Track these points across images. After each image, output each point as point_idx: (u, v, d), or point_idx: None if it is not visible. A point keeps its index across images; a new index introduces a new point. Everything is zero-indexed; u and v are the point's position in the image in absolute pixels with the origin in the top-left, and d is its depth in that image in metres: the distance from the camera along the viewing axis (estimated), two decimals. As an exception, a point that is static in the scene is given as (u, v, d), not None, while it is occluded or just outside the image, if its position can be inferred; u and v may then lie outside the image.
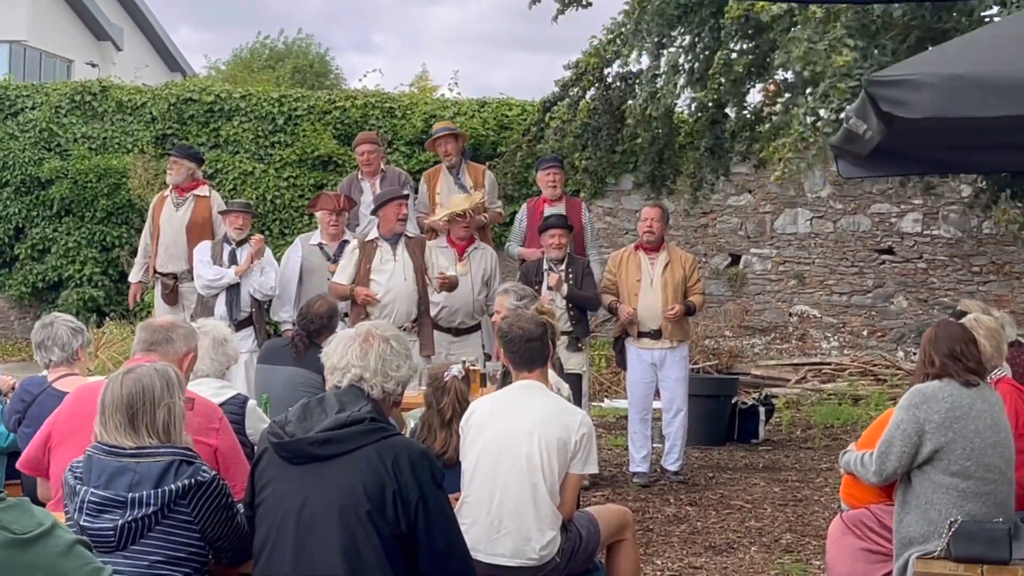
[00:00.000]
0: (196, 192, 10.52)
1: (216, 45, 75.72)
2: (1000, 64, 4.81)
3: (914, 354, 15.05)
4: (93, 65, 29.08)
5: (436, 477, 3.91)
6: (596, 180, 12.51)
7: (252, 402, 5.80)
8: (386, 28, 72.96)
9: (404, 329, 8.87)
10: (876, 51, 7.98)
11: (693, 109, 11.32)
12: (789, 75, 9.92)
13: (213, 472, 4.00)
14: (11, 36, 28.44)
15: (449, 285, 9.21)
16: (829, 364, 15.69)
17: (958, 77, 4.66)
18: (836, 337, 16.41)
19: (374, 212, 9.50)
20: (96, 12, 30.96)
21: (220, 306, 9.57)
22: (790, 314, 16.58)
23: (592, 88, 11.56)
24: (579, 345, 9.59)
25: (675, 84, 10.73)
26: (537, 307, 6.36)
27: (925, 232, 16.20)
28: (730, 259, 16.79)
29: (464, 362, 7.25)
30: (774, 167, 8.70)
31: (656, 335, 9.60)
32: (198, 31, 64.89)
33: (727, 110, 11.18)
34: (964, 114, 4.69)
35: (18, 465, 5.13)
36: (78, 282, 16.94)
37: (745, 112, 11.19)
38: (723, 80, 9.54)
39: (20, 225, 17.33)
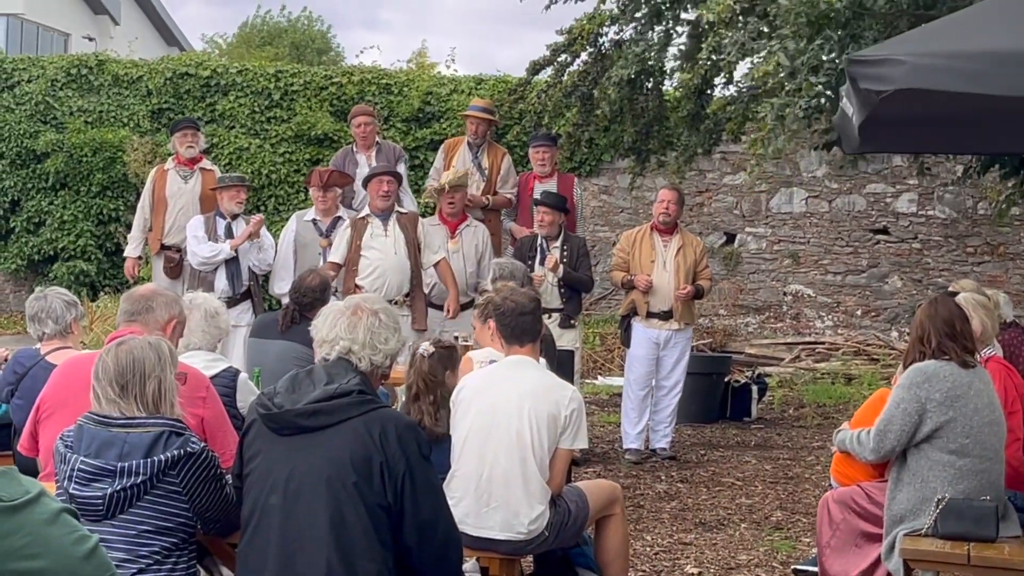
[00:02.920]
0: (201, 165, 10.55)
1: (224, 20, 75.44)
2: (976, 42, 4.85)
3: (908, 334, 15.07)
4: (90, 39, 28.99)
5: (423, 449, 3.93)
6: (575, 143, 12.43)
7: (243, 375, 5.81)
8: (394, 4, 72.75)
9: (396, 303, 8.92)
10: (850, 44, 8.01)
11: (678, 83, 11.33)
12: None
13: (202, 443, 4.01)
14: (8, 9, 28.32)
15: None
16: (823, 343, 15.73)
17: (932, 54, 4.72)
18: (830, 317, 16.44)
19: (363, 186, 9.57)
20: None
21: (221, 279, 9.58)
22: (784, 293, 16.59)
23: (583, 53, 11.51)
24: (571, 322, 9.59)
25: (663, 59, 10.77)
26: (501, 287, 6.29)
27: (920, 212, 16.21)
28: (725, 238, 16.80)
29: (457, 337, 7.29)
30: (751, 162, 8.75)
31: (665, 316, 9.63)
32: (208, 6, 64.61)
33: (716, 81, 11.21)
34: (935, 87, 4.74)
35: (19, 447, 5.13)
36: (72, 255, 16.93)
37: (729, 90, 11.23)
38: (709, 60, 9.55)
39: (16, 198, 17.30)
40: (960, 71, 4.64)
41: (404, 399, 5.72)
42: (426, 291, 9.45)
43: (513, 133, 14.08)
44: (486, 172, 10.28)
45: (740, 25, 8.64)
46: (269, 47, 33.01)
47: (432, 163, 11.00)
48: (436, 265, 9.37)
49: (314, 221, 9.85)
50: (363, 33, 68.39)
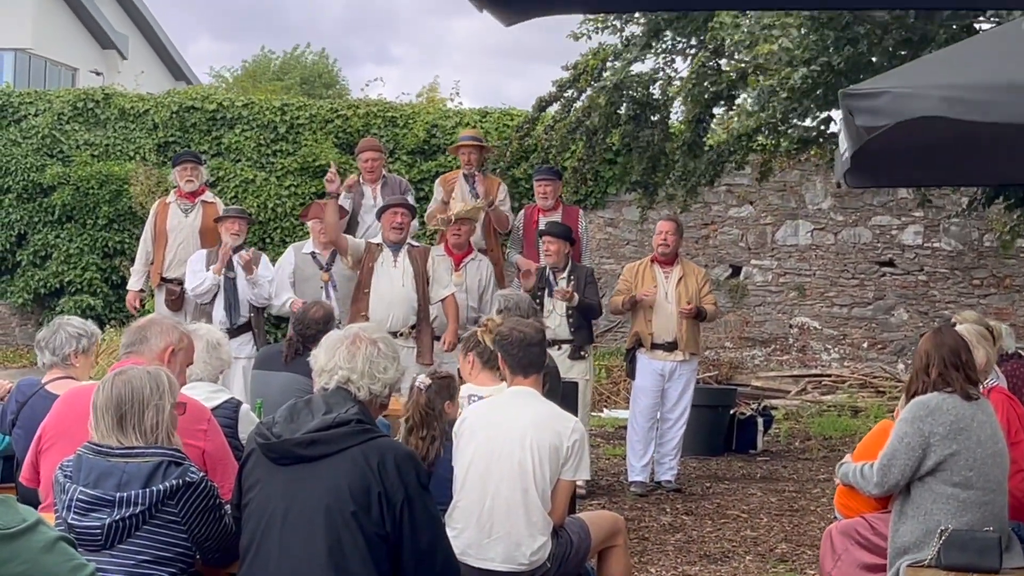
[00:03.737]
0: (203, 198, 10.58)
1: (235, 55, 76.06)
2: (974, 73, 4.87)
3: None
4: (98, 73, 29.12)
5: (422, 479, 3.93)
6: (581, 179, 12.52)
7: (245, 407, 5.81)
8: (406, 39, 73.19)
9: (402, 335, 8.94)
10: (832, 44, 8.18)
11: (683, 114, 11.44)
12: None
13: (201, 473, 4.02)
14: (16, 44, 28.46)
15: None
16: (829, 376, 15.71)
17: (929, 85, 4.74)
18: (836, 349, 16.42)
19: (377, 217, 9.60)
20: (101, 20, 30.98)
21: (219, 310, 9.61)
22: (790, 326, 16.59)
23: (588, 88, 11.60)
24: (581, 353, 9.57)
25: (668, 91, 10.89)
26: (485, 321, 6.25)
27: (926, 244, 16.22)
28: (731, 270, 16.81)
29: (459, 370, 7.27)
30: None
31: (670, 347, 9.64)
32: (217, 42, 65.05)
33: (714, 110, 11.31)
34: (933, 113, 4.75)
35: (21, 478, 5.12)
36: (78, 288, 16.96)
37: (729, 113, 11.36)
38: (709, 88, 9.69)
39: (22, 231, 17.35)
40: (959, 100, 4.65)
41: (402, 430, 5.71)
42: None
43: (521, 168, 14.18)
44: (480, 201, 10.32)
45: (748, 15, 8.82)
46: (278, 81, 33.15)
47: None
48: (443, 300, 9.38)
49: (313, 254, 9.86)
50: (373, 68, 69.01)
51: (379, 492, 3.82)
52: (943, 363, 5.39)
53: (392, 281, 9.25)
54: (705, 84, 10.45)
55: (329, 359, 4.07)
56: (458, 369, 6.86)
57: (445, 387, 5.65)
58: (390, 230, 9.35)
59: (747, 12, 8.79)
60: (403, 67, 67.47)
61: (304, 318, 7.79)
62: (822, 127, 10.22)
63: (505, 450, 5.17)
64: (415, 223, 9.95)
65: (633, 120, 11.69)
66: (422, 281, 9.29)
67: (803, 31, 8.18)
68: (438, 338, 9.49)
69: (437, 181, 10.81)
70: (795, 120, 9.10)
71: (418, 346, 9.25)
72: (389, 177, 10.75)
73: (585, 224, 10.66)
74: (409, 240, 9.53)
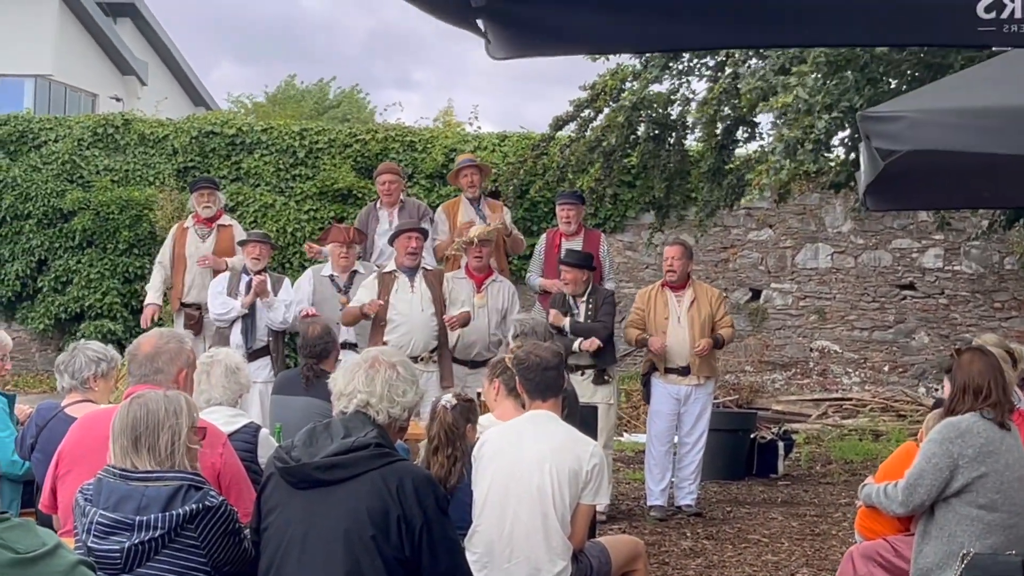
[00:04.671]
0: (220, 222, 10.64)
1: (257, 80, 76.44)
2: (990, 99, 4.86)
3: (935, 390, 14.98)
4: (117, 99, 29.30)
5: (440, 502, 3.93)
6: (599, 200, 12.53)
7: (264, 431, 5.82)
8: (427, 63, 73.44)
9: (422, 360, 8.94)
10: (859, 88, 8.16)
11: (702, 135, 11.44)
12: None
13: (221, 498, 4.02)
14: (36, 70, 28.65)
15: (460, 322, 9.25)
16: (850, 400, 15.63)
17: (944, 111, 4.73)
18: (857, 373, 16.36)
19: (390, 243, 9.61)
20: (121, 47, 31.19)
21: (236, 334, 9.64)
22: (811, 349, 16.54)
23: (606, 108, 11.61)
24: (605, 377, 9.52)
25: (686, 113, 10.90)
26: (513, 348, 6.25)
27: (946, 268, 16.17)
28: (751, 294, 16.77)
29: (479, 393, 7.27)
30: (750, 191, 8.94)
31: (684, 372, 9.62)
32: (240, 66, 65.42)
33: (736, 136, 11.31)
34: (947, 147, 4.75)
35: (40, 505, 5.12)
36: (99, 313, 17.01)
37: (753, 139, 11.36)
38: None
39: (43, 257, 17.42)
40: (974, 129, 4.64)
41: (424, 451, 5.71)
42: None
43: (535, 188, 14.13)
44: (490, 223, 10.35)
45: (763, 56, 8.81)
46: (298, 105, 33.25)
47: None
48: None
49: (331, 277, 9.88)
50: (395, 92, 69.11)
51: (398, 516, 3.82)
52: (977, 387, 5.37)
53: (411, 306, 9.25)
54: (725, 110, 10.45)
55: (348, 383, 4.08)
56: (478, 393, 6.87)
57: (468, 409, 5.66)
58: (405, 255, 9.37)
59: (762, 52, 8.81)
60: (424, 91, 67.88)
61: (306, 341, 7.86)
62: (852, 169, 10.19)
63: (524, 474, 5.16)
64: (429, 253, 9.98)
65: (651, 140, 11.70)
66: (440, 305, 9.29)
67: (819, 76, 8.14)
68: (459, 361, 9.48)
69: (439, 209, 10.79)
70: (824, 161, 9.03)
71: (439, 370, 9.24)
72: (407, 201, 10.78)
73: (607, 248, 10.66)
74: (424, 264, 9.54)
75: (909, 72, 8.51)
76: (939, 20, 3.37)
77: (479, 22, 3.34)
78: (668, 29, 3.45)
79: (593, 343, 9.28)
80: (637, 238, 16.89)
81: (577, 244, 10.09)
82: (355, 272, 9.81)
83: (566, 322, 9.37)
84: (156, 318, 10.67)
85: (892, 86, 8.53)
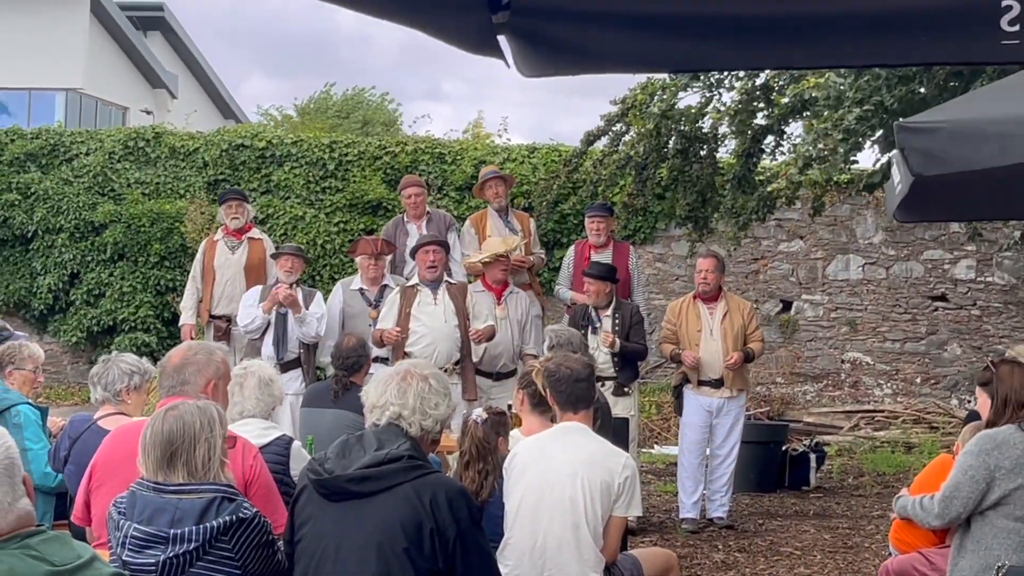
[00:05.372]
0: (250, 235, 10.68)
1: (288, 93, 76.68)
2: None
3: (968, 401, 14.89)
4: (148, 112, 29.46)
5: (474, 515, 3.93)
6: (631, 214, 12.54)
7: (297, 443, 5.82)
8: (457, 76, 73.59)
9: (446, 371, 8.94)
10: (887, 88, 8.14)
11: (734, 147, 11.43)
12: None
13: (255, 509, 4.02)
14: (68, 84, 28.84)
15: (486, 336, 9.28)
16: (882, 412, 15.55)
17: (982, 123, 4.68)
18: (889, 384, 16.27)
19: (411, 256, 9.67)
20: (151, 60, 31.35)
21: (267, 346, 9.66)
22: (842, 361, 16.46)
23: (637, 123, 11.62)
24: (625, 390, 9.54)
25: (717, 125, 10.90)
26: (542, 360, 6.20)
27: (979, 279, 16.07)
28: (781, 305, 16.71)
29: (509, 405, 7.27)
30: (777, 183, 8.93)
31: (717, 384, 9.61)
32: (270, 79, 65.62)
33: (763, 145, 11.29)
34: (985, 165, 4.70)
35: (73, 517, 5.13)
36: (132, 326, 17.08)
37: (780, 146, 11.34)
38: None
39: (75, 271, 17.52)
40: (1011, 139, 4.59)
41: (455, 466, 5.71)
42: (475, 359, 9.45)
43: (569, 203, 14.15)
44: (520, 234, 10.36)
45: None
46: (340, 120, 33.29)
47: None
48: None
49: (361, 290, 9.90)
50: (426, 104, 69.20)
51: (431, 528, 3.82)
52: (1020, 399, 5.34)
53: (434, 318, 9.28)
54: (756, 119, 10.44)
55: (380, 395, 4.08)
56: (508, 406, 6.87)
57: (499, 423, 5.66)
58: (425, 269, 9.43)
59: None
60: (454, 103, 67.85)
61: (340, 352, 7.87)
62: (885, 173, 10.15)
63: (556, 486, 5.16)
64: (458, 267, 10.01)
65: (681, 154, 11.70)
66: (463, 317, 9.31)
67: (852, 71, 8.12)
68: (481, 372, 9.50)
69: (467, 223, 10.81)
70: (852, 156, 8.99)
71: (462, 382, 9.26)
72: (434, 213, 10.79)
73: (636, 260, 10.65)
74: (447, 277, 9.56)
75: (941, 73, 8.44)
76: (962, 37, 3.33)
77: (501, 39, 3.33)
78: (696, 49, 3.43)
79: (609, 337, 9.29)
80: (667, 250, 16.86)
81: (606, 256, 10.09)
82: (385, 286, 9.82)
83: (617, 345, 9.37)
84: (194, 336, 10.70)
85: (927, 99, 8.49)
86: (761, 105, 10.58)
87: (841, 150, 8.51)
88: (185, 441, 3.97)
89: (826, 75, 8.26)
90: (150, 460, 3.98)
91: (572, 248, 10.66)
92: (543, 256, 10.81)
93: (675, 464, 10.43)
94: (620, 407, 9.29)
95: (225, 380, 5.08)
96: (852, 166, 9.99)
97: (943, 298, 16.20)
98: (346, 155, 17.42)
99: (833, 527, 9.82)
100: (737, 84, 10.97)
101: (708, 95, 11.26)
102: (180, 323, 10.95)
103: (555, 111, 66.06)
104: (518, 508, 5.20)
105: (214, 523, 3.88)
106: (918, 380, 16.20)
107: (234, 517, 3.91)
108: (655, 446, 14.06)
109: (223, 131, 18.80)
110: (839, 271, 16.53)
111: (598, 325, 9.47)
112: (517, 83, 69.95)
